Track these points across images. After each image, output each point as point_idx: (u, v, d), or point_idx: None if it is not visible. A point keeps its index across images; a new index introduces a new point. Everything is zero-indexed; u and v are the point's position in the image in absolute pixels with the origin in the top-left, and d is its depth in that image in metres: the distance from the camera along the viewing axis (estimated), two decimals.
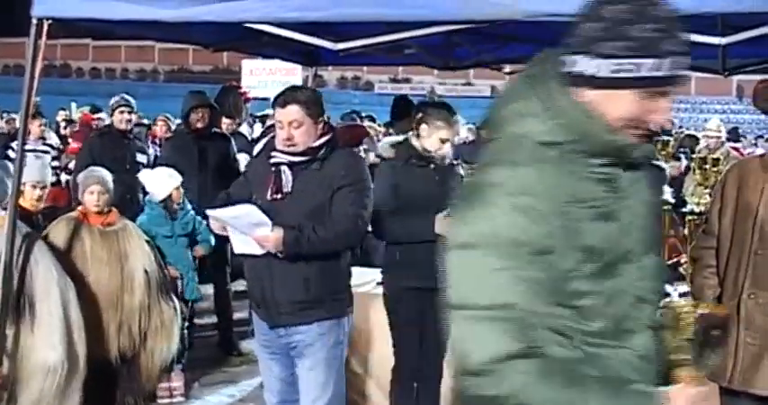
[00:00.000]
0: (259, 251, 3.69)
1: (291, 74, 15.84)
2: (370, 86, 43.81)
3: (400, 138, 5.12)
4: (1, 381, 4.08)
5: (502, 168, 1.83)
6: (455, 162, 4.75)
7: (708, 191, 4.89)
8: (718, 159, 5.31)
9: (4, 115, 14.38)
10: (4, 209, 4.30)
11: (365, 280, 5.08)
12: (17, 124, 6.96)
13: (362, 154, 6.16)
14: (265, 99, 15.18)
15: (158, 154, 8.80)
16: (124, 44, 44.39)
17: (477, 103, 32.06)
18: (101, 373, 4.54)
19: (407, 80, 43.92)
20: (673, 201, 5.22)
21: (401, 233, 4.36)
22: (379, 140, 7.37)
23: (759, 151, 3.84)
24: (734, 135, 15.56)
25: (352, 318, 3.97)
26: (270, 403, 4.01)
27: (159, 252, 5.14)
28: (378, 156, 5.55)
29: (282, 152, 3.73)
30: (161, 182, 5.72)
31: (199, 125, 6.71)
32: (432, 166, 4.50)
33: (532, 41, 5.38)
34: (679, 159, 7.66)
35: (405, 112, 6.37)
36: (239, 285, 7.83)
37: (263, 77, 16.24)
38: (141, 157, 7.29)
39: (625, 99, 1.81)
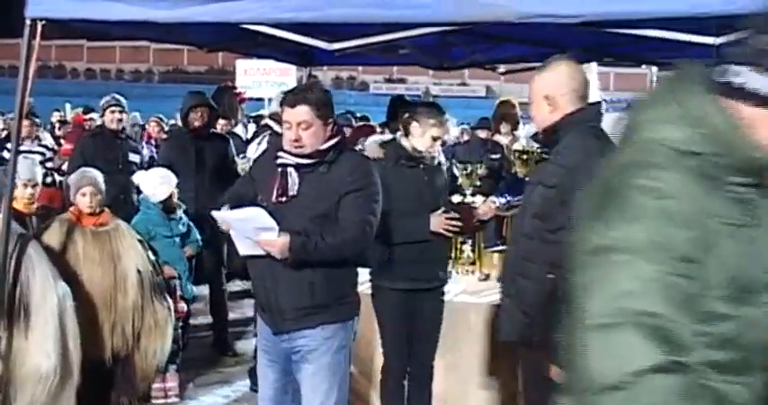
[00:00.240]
0: (263, 252, 3.59)
1: (286, 74, 15.76)
2: (366, 87, 43.88)
3: (387, 137, 5.12)
4: None
5: (644, 170, 1.71)
6: (443, 162, 4.77)
7: None
8: None
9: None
10: None
11: (360, 280, 5.07)
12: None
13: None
14: (260, 99, 15.23)
15: (153, 154, 8.81)
16: (119, 45, 44.43)
17: (472, 104, 32.16)
18: (95, 374, 4.54)
19: (402, 80, 44.00)
20: None
21: (391, 234, 4.33)
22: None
23: None
24: None
25: (358, 321, 3.89)
26: None
27: (153, 251, 5.14)
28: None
29: (289, 153, 3.61)
30: (157, 184, 5.71)
31: (197, 124, 6.69)
32: (421, 166, 4.50)
33: (526, 42, 5.42)
34: None
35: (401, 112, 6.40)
36: (235, 286, 7.86)
37: (258, 78, 16.15)
38: (134, 157, 7.27)
39: None
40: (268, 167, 3.70)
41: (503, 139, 8.00)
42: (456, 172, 5.62)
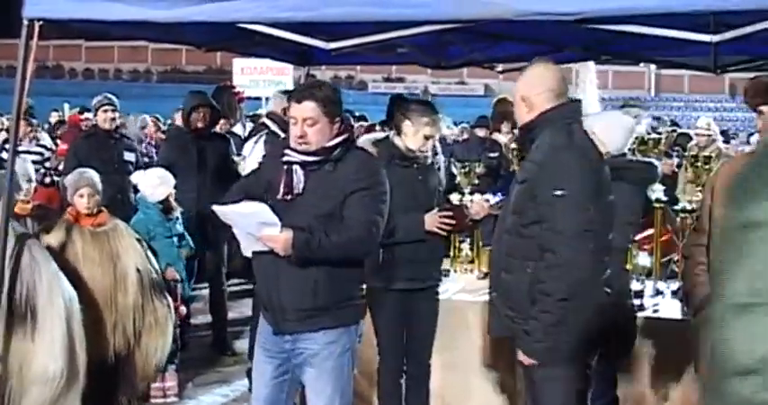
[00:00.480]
0: (265, 248, 3.54)
1: (282, 73, 15.76)
2: (364, 86, 43.82)
3: (380, 135, 5.12)
4: None
5: None
6: (443, 160, 4.77)
7: (699, 188, 4.91)
8: (709, 157, 5.33)
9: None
10: None
11: None
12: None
13: None
14: (257, 99, 15.21)
15: (153, 154, 8.79)
16: (117, 45, 44.33)
17: (470, 102, 32.14)
18: (96, 374, 4.54)
19: (401, 79, 43.94)
20: (665, 199, 5.23)
21: (385, 234, 4.31)
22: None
23: (749, 149, 3.85)
24: (724, 137, 15.58)
25: (363, 325, 3.83)
26: None
27: (152, 251, 5.15)
28: None
29: (295, 151, 3.58)
30: (156, 184, 5.70)
31: (199, 125, 6.69)
32: (415, 165, 4.50)
33: (525, 40, 5.42)
34: (671, 157, 7.69)
35: None
36: (234, 285, 7.87)
37: (255, 76, 16.13)
38: (129, 156, 7.22)
39: None
40: (274, 165, 3.66)
41: (502, 138, 8.00)
42: (454, 171, 5.62)
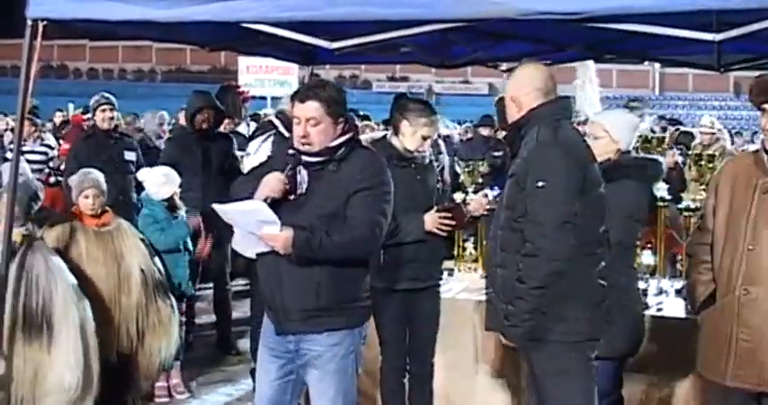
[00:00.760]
0: (266, 248, 3.52)
1: (288, 72, 15.76)
2: (368, 85, 43.84)
3: (378, 135, 5.11)
4: None
5: None
6: (440, 159, 4.76)
7: (703, 187, 4.90)
8: (713, 155, 5.32)
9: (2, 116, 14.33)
10: (22, 225, 4.35)
11: None
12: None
13: None
14: (263, 98, 15.21)
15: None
16: (121, 44, 44.43)
17: (474, 101, 32.15)
18: (100, 374, 4.55)
19: (405, 78, 43.97)
20: (669, 197, 5.22)
21: (387, 235, 4.29)
22: None
23: (753, 147, 3.88)
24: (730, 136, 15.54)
25: (368, 327, 3.78)
26: None
27: (156, 253, 5.15)
28: None
29: (299, 151, 3.55)
30: (161, 183, 5.70)
31: (204, 126, 6.69)
32: (413, 166, 4.49)
33: (528, 39, 5.42)
34: (671, 148, 7.67)
35: None
36: (239, 285, 7.87)
37: (260, 75, 16.11)
38: (129, 155, 7.21)
39: None
40: (279, 166, 3.62)
41: None
42: (458, 169, 5.62)
